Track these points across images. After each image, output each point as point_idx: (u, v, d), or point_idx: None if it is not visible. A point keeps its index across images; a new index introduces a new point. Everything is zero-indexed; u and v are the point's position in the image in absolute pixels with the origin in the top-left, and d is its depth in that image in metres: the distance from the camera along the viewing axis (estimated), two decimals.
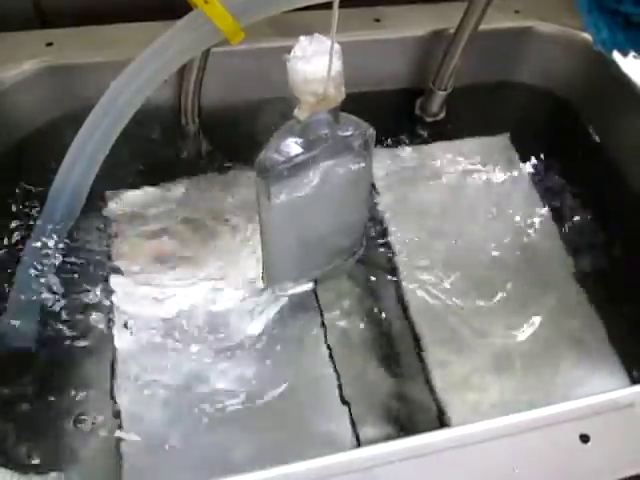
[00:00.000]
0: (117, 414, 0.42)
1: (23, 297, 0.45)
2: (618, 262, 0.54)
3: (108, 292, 0.48)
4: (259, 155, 0.39)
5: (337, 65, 0.35)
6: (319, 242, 0.47)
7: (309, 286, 0.50)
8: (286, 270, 0.49)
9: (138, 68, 0.41)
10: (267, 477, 0.30)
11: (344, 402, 0.44)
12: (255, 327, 0.47)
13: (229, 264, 0.50)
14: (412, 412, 0.45)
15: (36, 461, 0.40)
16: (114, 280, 0.49)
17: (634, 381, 0.47)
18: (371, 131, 0.40)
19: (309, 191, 0.41)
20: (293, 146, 0.39)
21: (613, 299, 0.52)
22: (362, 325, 0.49)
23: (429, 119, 0.61)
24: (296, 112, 0.37)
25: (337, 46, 0.35)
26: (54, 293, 0.47)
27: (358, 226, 0.49)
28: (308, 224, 0.45)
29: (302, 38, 0.35)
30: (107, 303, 0.48)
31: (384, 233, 0.54)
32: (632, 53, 0.29)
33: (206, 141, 0.56)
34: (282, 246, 0.46)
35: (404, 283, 0.51)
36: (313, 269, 0.49)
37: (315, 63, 0.34)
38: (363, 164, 0.42)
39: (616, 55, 0.29)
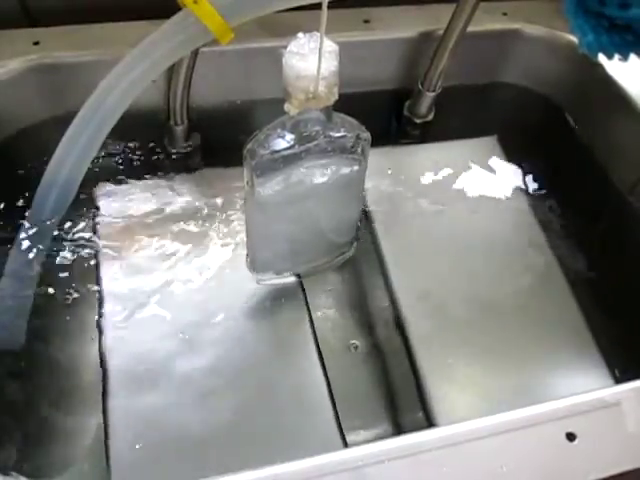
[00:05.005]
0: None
1: (11, 296, 0.44)
2: (603, 262, 0.54)
3: (97, 283, 0.48)
4: (247, 143, 0.39)
5: (332, 66, 0.35)
6: (304, 238, 0.47)
7: (294, 278, 0.50)
8: (268, 261, 0.49)
9: (127, 68, 0.41)
10: (257, 477, 0.30)
11: (333, 403, 0.44)
12: (238, 318, 0.48)
13: (214, 256, 0.51)
14: (400, 410, 0.46)
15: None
16: (103, 270, 0.49)
17: (617, 380, 0.48)
18: (366, 135, 0.40)
19: (295, 187, 0.42)
20: (282, 139, 0.39)
21: (597, 299, 0.52)
22: (349, 319, 0.49)
23: (418, 120, 0.61)
24: (286, 107, 0.37)
25: (335, 47, 0.35)
26: (43, 290, 0.46)
27: (348, 228, 0.49)
28: (293, 220, 0.45)
29: (300, 34, 0.35)
30: (96, 296, 0.48)
31: (372, 233, 0.54)
32: (617, 56, 0.29)
33: (195, 141, 0.56)
34: (265, 237, 0.46)
35: (394, 284, 0.51)
36: (298, 264, 0.50)
37: (310, 60, 0.34)
38: (356, 167, 0.42)
39: (601, 57, 0.29)
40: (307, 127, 0.39)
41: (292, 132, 0.39)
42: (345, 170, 0.42)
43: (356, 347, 0.48)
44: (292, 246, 0.48)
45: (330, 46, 0.35)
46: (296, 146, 0.39)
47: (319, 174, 0.41)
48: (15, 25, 0.52)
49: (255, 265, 0.49)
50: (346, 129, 0.40)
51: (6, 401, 0.43)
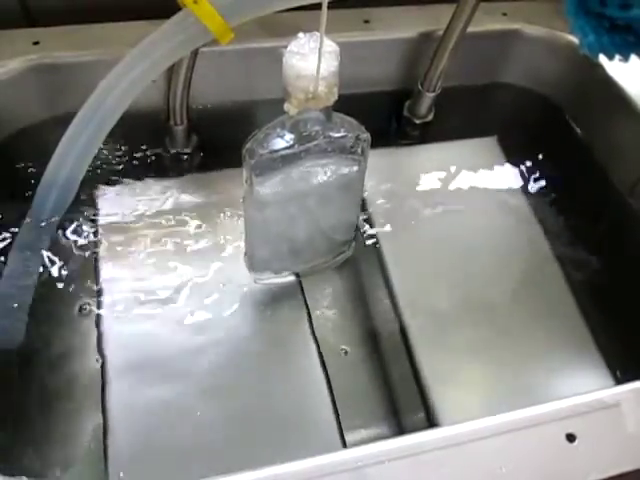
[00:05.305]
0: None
1: (10, 295, 0.44)
2: (603, 263, 0.54)
3: (96, 283, 0.48)
4: (246, 143, 0.39)
5: (332, 66, 0.35)
6: (303, 238, 0.47)
7: (293, 278, 0.50)
8: (267, 260, 0.49)
9: (126, 68, 0.41)
10: (257, 477, 0.30)
11: (333, 403, 0.44)
12: (237, 318, 0.48)
13: (214, 256, 0.51)
14: (400, 410, 0.45)
15: None
16: (103, 270, 0.49)
17: (618, 381, 0.48)
18: (366, 135, 0.40)
19: (294, 187, 0.42)
20: (281, 139, 0.39)
21: (597, 299, 0.52)
22: (348, 318, 0.49)
23: (417, 121, 0.61)
24: (286, 106, 0.37)
25: (336, 47, 0.35)
26: (42, 290, 0.46)
27: (347, 228, 0.49)
28: (292, 219, 0.45)
29: (301, 34, 0.35)
30: (96, 295, 0.48)
31: (372, 233, 0.54)
32: (617, 56, 0.29)
33: (195, 141, 0.56)
34: (263, 236, 0.46)
35: (394, 284, 0.51)
36: (296, 263, 0.50)
37: (310, 60, 0.34)
38: (356, 168, 0.42)
39: (602, 58, 0.29)
40: (307, 127, 0.39)
41: (292, 132, 0.39)
42: (344, 170, 0.42)
43: (346, 353, 0.48)
44: (291, 245, 0.48)
45: (330, 46, 0.35)
46: (295, 146, 0.39)
47: (318, 174, 0.41)
48: (15, 25, 0.52)
49: (253, 264, 0.49)
50: (346, 129, 0.40)
51: (6, 401, 0.43)
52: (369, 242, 0.53)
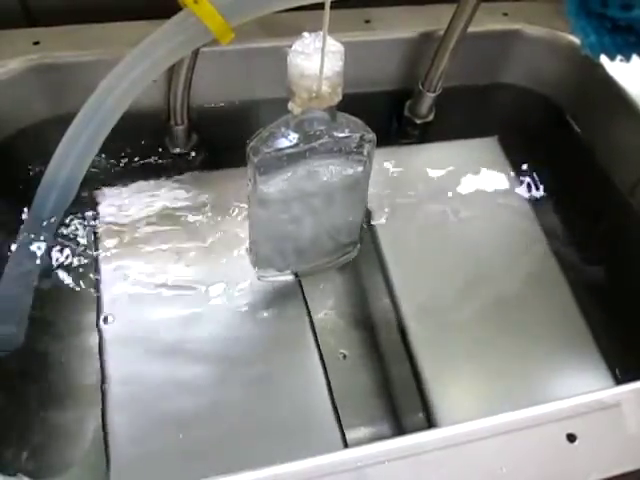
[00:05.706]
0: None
1: (11, 296, 0.44)
2: (603, 263, 0.54)
3: (96, 283, 0.48)
4: (251, 141, 0.39)
5: (337, 66, 0.35)
6: (307, 238, 0.47)
7: (295, 277, 0.50)
8: (270, 257, 0.49)
9: (127, 68, 0.41)
10: (257, 477, 0.30)
11: (333, 403, 0.44)
12: (238, 317, 0.48)
13: (215, 255, 0.51)
14: (401, 411, 0.46)
15: None
16: (103, 270, 0.49)
17: (618, 381, 0.48)
18: (371, 136, 0.40)
19: (298, 186, 0.41)
20: (285, 138, 0.39)
21: (597, 299, 0.52)
22: (349, 318, 0.49)
23: (418, 121, 0.61)
24: (290, 105, 0.37)
25: (340, 47, 0.35)
26: (43, 290, 0.46)
27: (351, 228, 0.49)
28: (295, 218, 0.45)
29: (306, 34, 0.35)
30: (96, 297, 0.48)
31: (372, 233, 0.54)
32: (619, 57, 0.29)
33: (195, 141, 0.56)
34: (267, 234, 0.46)
35: (394, 285, 0.51)
36: (300, 262, 0.50)
37: (315, 60, 0.34)
38: (360, 168, 0.42)
39: (603, 58, 0.29)
40: (311, 126, 0.38)
41: (296, 131, 0.39)
42: (349, 171, 0.42)
43: (344, 356, 0.48)
44: (295, 244, 0.47)
45: (335, 46, 0.35)
46: (300, 145, 0.39)
47: (322, 174, 0.41)
48: (15, 25, 0.52)
49: (257, 261, 0.49)
50: (351, 129, 0.40)
51: (6, 401, 0.43)
52: (370, 242, 0.53)
